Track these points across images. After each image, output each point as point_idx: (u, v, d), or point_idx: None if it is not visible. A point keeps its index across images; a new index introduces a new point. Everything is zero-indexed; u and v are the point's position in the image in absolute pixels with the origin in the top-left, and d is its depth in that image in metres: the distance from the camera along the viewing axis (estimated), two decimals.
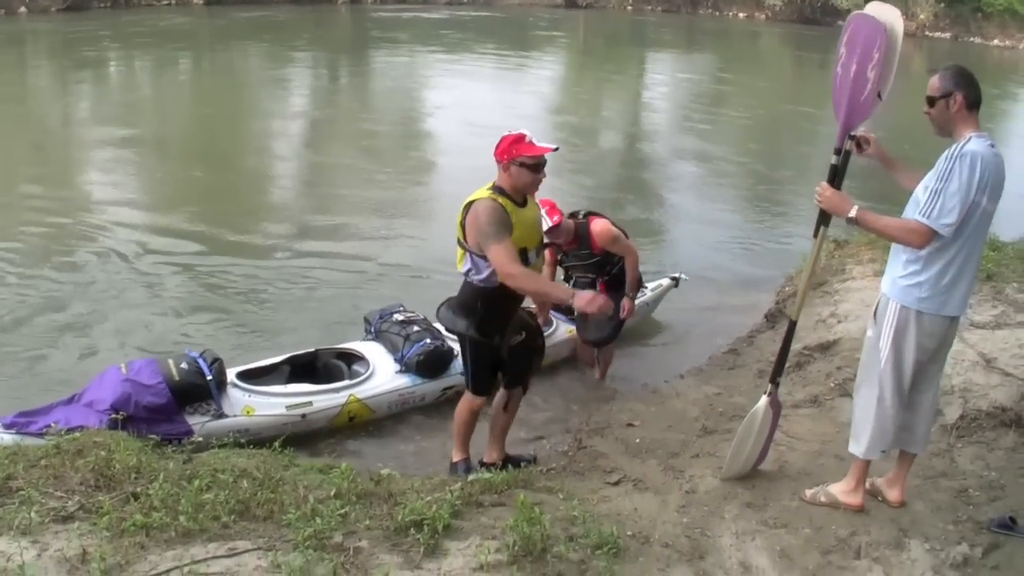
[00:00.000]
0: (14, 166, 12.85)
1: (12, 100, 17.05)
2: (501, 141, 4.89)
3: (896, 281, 4.09)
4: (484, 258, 4.80)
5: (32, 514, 3.77)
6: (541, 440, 6.14)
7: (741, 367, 7.05)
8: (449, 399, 6.36)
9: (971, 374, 5.77)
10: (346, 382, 6.17)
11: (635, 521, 4.25)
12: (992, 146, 3.87)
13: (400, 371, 6.34)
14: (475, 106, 16.96)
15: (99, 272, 8.78)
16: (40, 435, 5.12)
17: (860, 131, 4.28)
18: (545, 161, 4.93)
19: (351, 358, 6.50)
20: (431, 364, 6.35)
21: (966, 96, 3.92)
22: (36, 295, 8.18)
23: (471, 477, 4.66)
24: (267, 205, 11.49)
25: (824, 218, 4.35)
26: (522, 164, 4.83)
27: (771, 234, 11.17)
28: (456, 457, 5.59)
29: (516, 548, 3.68)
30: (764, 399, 4.68)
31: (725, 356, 7.43)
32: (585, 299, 4.47)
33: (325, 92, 20.29)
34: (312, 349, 6.55)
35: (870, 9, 4.13)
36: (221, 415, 5.59)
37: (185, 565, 3.48)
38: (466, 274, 5.00)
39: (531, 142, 4.86)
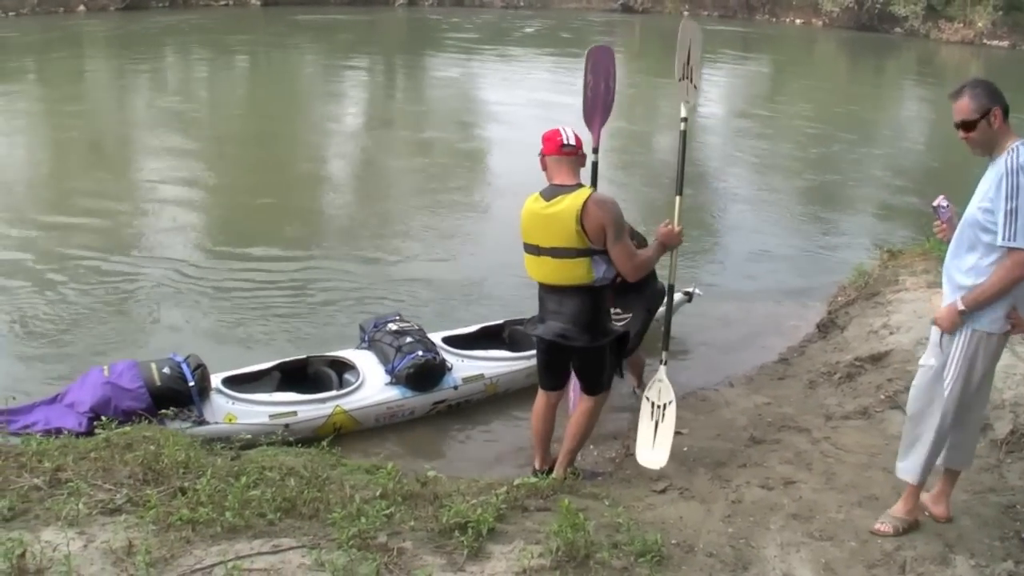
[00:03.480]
0: (68, 164, 13.07)
1: (70, 99, 17.33)
2: (564, 133, 4.89)
3: None
4: (605, 253, 4.78)
5: (80, 505, 3.83)
6: (588, 447, 6.09)
7: (791, 377, 6.96)
8: (440, 413, 6.35)
9: (1022, 388, 5.65)
10: (332, 392, 6.04)
11: (680, 530, 4.23)
12: None
13: (390, 383, 6.18)
14: (529, 111, 16.94)
15: (122, 271, 8.84)
16: (18, 434, 5.09)
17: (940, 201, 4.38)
18: None
19: (343, 366, 6.38)
20: (422, 377, 6.17)
21: (1002, 107, 3.84)
22: (58, 290, 8.27)
23: (516, 481, 4.64)
24: (315, 210, 11.48)
25: None
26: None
27: (823, 243, 11.03)
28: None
29: (559, 553, 3.67)
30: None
31: (775, 366, 7.33)
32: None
33: (380, 96, 20.40)
34: (303, 356, 6.47)
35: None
36: (202, 422, 5.49)
37: (229, 560, 3.51)
38: (593, 282, 4.84)
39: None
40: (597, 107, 5.87)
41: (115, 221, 10.37)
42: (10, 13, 26.60)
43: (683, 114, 5.34)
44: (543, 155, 4.88)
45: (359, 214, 11.37)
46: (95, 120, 16.11)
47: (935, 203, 4.35)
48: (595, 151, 5.78)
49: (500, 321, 7.17)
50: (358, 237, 10.23)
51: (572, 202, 4.67)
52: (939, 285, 7.22)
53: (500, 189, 11.91)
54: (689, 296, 7.37)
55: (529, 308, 6.47)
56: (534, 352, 6.38)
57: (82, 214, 10.68)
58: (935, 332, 4.17)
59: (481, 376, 6.43)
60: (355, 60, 24.05)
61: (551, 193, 4.77)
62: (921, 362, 4.27)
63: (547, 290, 5.00)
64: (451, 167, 13.49)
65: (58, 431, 5.14)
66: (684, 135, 5.35)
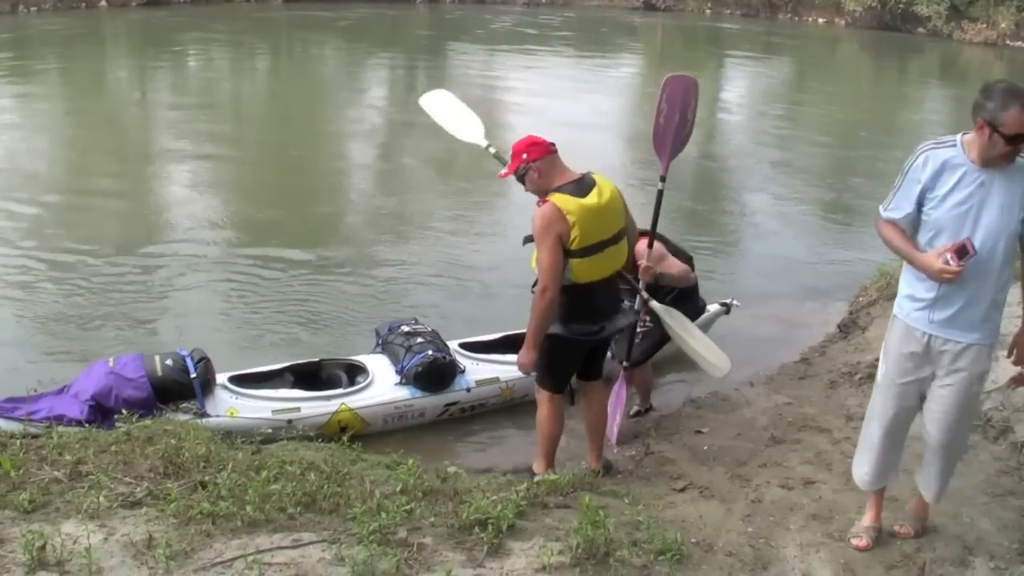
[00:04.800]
0: (88, 160, 13.09)
1: (89, 94, 17.40)
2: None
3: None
4: None
5: (100, 498, 3.85)
6: (609, 445, 6.07)
7: (812, 377, 6.93)
8: (456, 418, 6.25)
9: None
10: (338, 391, 5.97)
11: (699, 528, 4.22)
12: None
13: (399, 383, 6.07)
14: (550, 111, 16.88)
15: (139, 266, 8.85)
16: (22, 421, 5.20)
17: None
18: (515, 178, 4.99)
19: (357, 370, 6.28)
20: (430, 376, 6.03)
21: None
22: (76, 283, 8.30)
23: (536, 478, 4.63)
24: (332, 212, 11.35)
25: None
26: None
27: (844, 243, 10.96)
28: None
29: (579, 551, 3.67)
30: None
31: (796, 366, 7.30)
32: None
33: (401, 94, 20.39)
34: (316, 359, 6.41)
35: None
36: (204, 415, 5.47)
37: (250, 554, 3.52)
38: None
39: None
40: (668, 137, 5.74)
41: (136, 218, 10.42)
42: (32, 8, 26.72)
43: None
44: (533, 160, 4.77)
45: (381, 215, 11.26)
46: (114, 116, 16.16)
47: (966, 243, 3.69)
48: (662, 179, 5.80)
49: (524, 330, 6.94)
50: (381, 240, 10.11)
51: (607, 184, 4.79)
52: None
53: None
54: (727, 308, 7.23)
55: None
56: None
57: (102, 210, 10.76)
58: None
59: (496, 379, 6.24)
60: (377, 57, 24.08)
61: (581, 188, 4.70)
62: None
63: (603, 286, 4.90)
64: (478, 169, 13.38)
65: (59, 418, 5.21)
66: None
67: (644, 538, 3.92)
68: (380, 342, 6.49)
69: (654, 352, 6.33)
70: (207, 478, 4.15)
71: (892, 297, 7.48)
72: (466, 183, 12.70)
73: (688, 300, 6.14)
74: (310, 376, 6.27)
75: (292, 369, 6.27)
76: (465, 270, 9.20)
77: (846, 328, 7.75)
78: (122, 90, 18.90)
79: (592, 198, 4.65)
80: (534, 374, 5.12)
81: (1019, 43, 33.16)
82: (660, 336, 6.19)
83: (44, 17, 26.27)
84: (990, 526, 4.41)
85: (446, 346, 6.31)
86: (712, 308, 7.23)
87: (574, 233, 4.57)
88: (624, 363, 6.03)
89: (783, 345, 7.73)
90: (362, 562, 3.46)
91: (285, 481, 4.18)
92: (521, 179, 4.85)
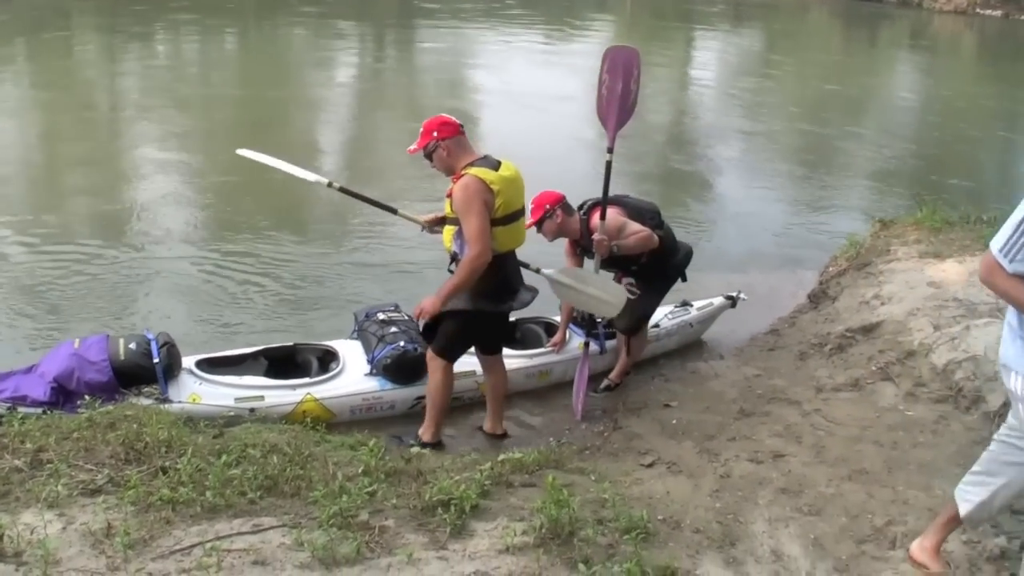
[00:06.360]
0: (57, 144, 12.86)
1: (59, 81, 17.07)
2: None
3: None
4: None
5: (59, 487, 3.78)
6: (575, 419, 6.04)
7: (782, 348, 6.92)
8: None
9: None
10: (304, 380, 5.82)
11: (667, 505, 4.18)
12: None
13: (369, 374, 5.93)
14: (520, 84, 16.81)
15: (114, 250, 8.64)
16: None
17: None
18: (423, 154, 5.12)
19: (331, 356, 6.13)
20: (400, 369, 5.86)
21: None
22: (56, 262, 8.19)
23: (501, 457, 4.59)
24: (315, 192, 11.12)
25: None
26: None
27: (815, 212, 10.99)
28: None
29: (543, 531, 3.62)
30: None
31: (766, 337, 7.29)
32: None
33: (370, 68, 20.20)
34: (290, 343, 6.29)
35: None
36: (165, 400, 5.35)
37: (208, 541, 3.46)
38: None
39: None
40: (613, 108, 5.81)
41: (111, 202, 10.14)
42: None
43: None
44: (443, 139, 4.99)
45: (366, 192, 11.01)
46: (86, 100, 15.87)
47: None
48: (609, 151, 5.83)
49: (512, 319, 6.65)
50: (367, 220, 9.75)
51: (510, 163, 5.05)
52: (931, 255, 7.27)
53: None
54: (733, 301, 7.25)
55: (548, 306, 6.43)
56: (538, 351, 6.44)
57: (77, 191, 10.62)
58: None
59: (473, 373, 5.96)
60: (346, 33, 23.80)
61: (490, 164, 4.98)
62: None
63: (512, 257, 5.24)
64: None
65: (23, 399, 5.16)
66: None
67: (610, 516, 3.87)
68: (356, 328, 6.37)
69: (647, 317, 6.41)
70: (168, 464, 4.08)
71: (861, 267, 7.58)
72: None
73: (662, 262, 6.19)
74: (284, 361, 6.15)
75: (266, 353, 6.16)
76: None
77: (816, 298, 7.74)
78: (92, 73, 18.57)
79: (504, 171, 4.94)
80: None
81: (989, 11, 33.26)
82: (651, 301, 6.30)
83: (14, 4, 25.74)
84: None
85: (418, 336, 6.03)
86: (716, 301, 7.24)
87: (498, 201, 4.88)
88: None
89: (752, 316, 7.67)
90: (322, 546, 3.40)
91: (247, 465, 4.11)
92: (429, 156, 5.07)
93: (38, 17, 23.11)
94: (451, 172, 5.02)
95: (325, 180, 5.69)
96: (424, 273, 8.23)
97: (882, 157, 13.77)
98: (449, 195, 4.98)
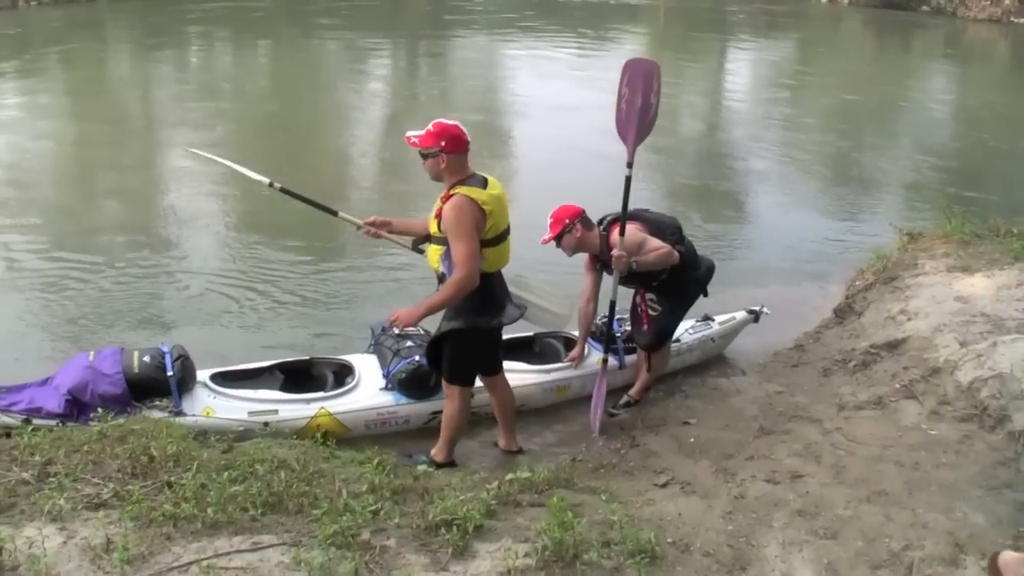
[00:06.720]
0: (79, 154, 12.86)
1: (91, 90, 17.16)
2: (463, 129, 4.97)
3: None
4: None
5: (62, 501, 3.76)
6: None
7: (805, 364, 6.78)
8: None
9: None
10: (319, 394, 5.78)
11: (677, 527, 4.08)
12: None
13: (385, 388, 5.86)
14: (549, 96, 16.67)
15: (137, 262, 8.63)
16: (3, 411, 5.16)
17: None
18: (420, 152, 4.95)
19: (347, 371, 6.07)
20: (416, 383, 5.78)
21: None
22: (79, 275, 8.16)
23: (508, 476, 4.51)
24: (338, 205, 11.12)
25: None
26: None
27: (845, 224, 10.79)
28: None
29: (546, 553, 3.54)
30: None
31: (791, 352, 7.15)
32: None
33: (403, 79, 20.16)
34: (306, 357, 6.25)
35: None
36: (179, 413, 5.33)
37: (206, 559, 3.42)
38: None
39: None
40: (632, 122, 5.69)
41: (134, 214, 10.20)
42: (32, 2, 26.42)
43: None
44: (447, 151, 4.82)
45: (387, 205, 10.82)
46: (118, 109, 15.95)
47: None
48: (629, 166, 5.71)
49: (530, 333, 6.70)
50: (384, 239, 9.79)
51: (496, 182, 4.94)
52: (959, 268, 7.12)
53: (536, 187, 11.09)
54: (756, 316, 7.11)
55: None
56: (555, 366, 6.34)
57: (100, 206, 10.61)
58: None
59: None
60: (378, 41, 23.80)
61: (479, 182, 4.86)
62: None
63: (499, 278, 5.15)
64: (500, 155, 13.07)
65: (38, 410, 5.16)
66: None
67: (617, 538, 3.78)
68: (373, 342, 6.30)
69: (668, 334, 6.30)
70: (173, 478, 4.05)
71: (888, 281, 7.44)
72: (486, 166, 12.32)
73: (683, 278, 6.04)
74: (300, 374, 6.11)
75: (282, 366, 6.12)
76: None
77: (842, 313, 7.59)
78: (122, 83, 18.66)
79: (492, 190, 4.84)
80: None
81: (1023, 20, 32.82)
82: (672, 318, 6.19)
83: (45, 11, 25.98)
84: (984, 521, 4.24)
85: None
86: (739, 315, 7.12)
87: (489, 223, 4.79)
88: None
89: (777, 330, 7.51)
90: (318, 566, 3.34)
91: (253, 481, 4.07)
92: (424, 156, 4.91)
93: (53, 30, 23.34)
94: (438, 180, 4.91)
95: (267, 180, 5.72)
96: None
97: (911, 168, 13.56)
98: (438, 215, 4.83)
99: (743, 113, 17.73)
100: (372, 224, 5.39)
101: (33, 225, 9.44)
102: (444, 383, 5.31)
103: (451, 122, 4.89)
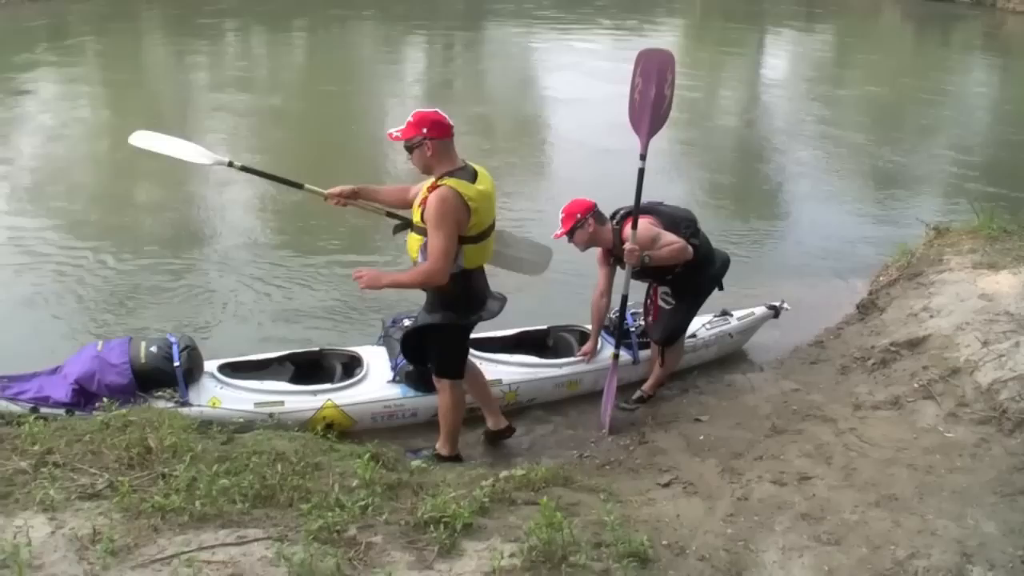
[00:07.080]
0: (100, 145, 12.86)
1: (122, 82, 17.21)
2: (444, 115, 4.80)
3: None
4: None
5: (53, 491, 3.73)
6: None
7: (824, 361, 6.65)
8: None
9: None
10: (325, 386, 5.74)
11: (675, 529, 3.97)
12: None
13: (392, 381, 5.82)
14: (588, 84, 16.51)
15: (160, 250, 8.64)
16: (11, 400, 5.18)
17: None
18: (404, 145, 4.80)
19: (356, 362, 6.03)
20: (421, 376, 5.66)
21: None
22: (100, 266, 8.18)
23: (503, 474, 4.43)
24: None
25: None
26: None
27: (869, 220, 10.57)
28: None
29: (534, 554, 3.45)
30: None
31: (809, 349, 7.01)
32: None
33: (437, 69, 20.08)
34: (317, 348, 6.21)
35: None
36: (185, 403, 5.32)
37: (188, 552, 3.37)
38: None
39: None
40: (645, 113, 5.60)
41: (151, 206, 10.21)
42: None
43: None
44: (430, 137, 4.65)
45: None
46: (148, 102, 15.99)
47: None
48: (642, 158, 5.59)
49: (544, 326, 6.66)
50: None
51: (486, 173, 4.79)
52: (985, 265, 6.94)
53: (566, 179, 11.09)
54: (776, 311, 6.96)
55: (581, 312, 6.35)
56: (567, 360, 6.26)
57: (119, 197, 10.57)
58: None
59: (499, 381, 5.89)
60: (413, 32, 23.74)
61: (468, 175, 4.70)
62: None
63: (480, 272, 5.01)
64: (506, 147, 12.98)
65: (46, 399, 5.18)
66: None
67: (610, 540, 3.68)
68: (383, 334, 6.26)
69: (682, 329, 6.19)
70: (168, 470, 4.01)
71: (912, 277, 7.27)
72: (507, 160, 12.22)
73: (697, 272, 5.94)
74: (310, 366, 6.08)
75: (292, 358, 6.09)
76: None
77: (864, 309, 7.43)
78: (154, 75, 18.72)
79: (481, 184, 4.69)
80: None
81: None
82: (686, 313, 6.09)
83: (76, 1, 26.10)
84: (995, 530, 4.10)
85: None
86: (758, 311, 6.99)
87: (474, 219, 4.64)
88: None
89: (799, 326, 7.34)
90: (299, 563, 3.27)
91: (246, 473, 4.02)
92: (410, 149, 4.76)
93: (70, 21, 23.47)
94: (428, 172, 4.75)
95: (226, 160, 5.62)
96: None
97: (945, 163, 13.27)
98: (422, 203, 4.68)
99: (776, 106, 17.48)
100: (340, 195, 5.22)
101: (47, 215, 9.51)
102: (435, 378, 5.23)
103: (430, 110, 4.76)
